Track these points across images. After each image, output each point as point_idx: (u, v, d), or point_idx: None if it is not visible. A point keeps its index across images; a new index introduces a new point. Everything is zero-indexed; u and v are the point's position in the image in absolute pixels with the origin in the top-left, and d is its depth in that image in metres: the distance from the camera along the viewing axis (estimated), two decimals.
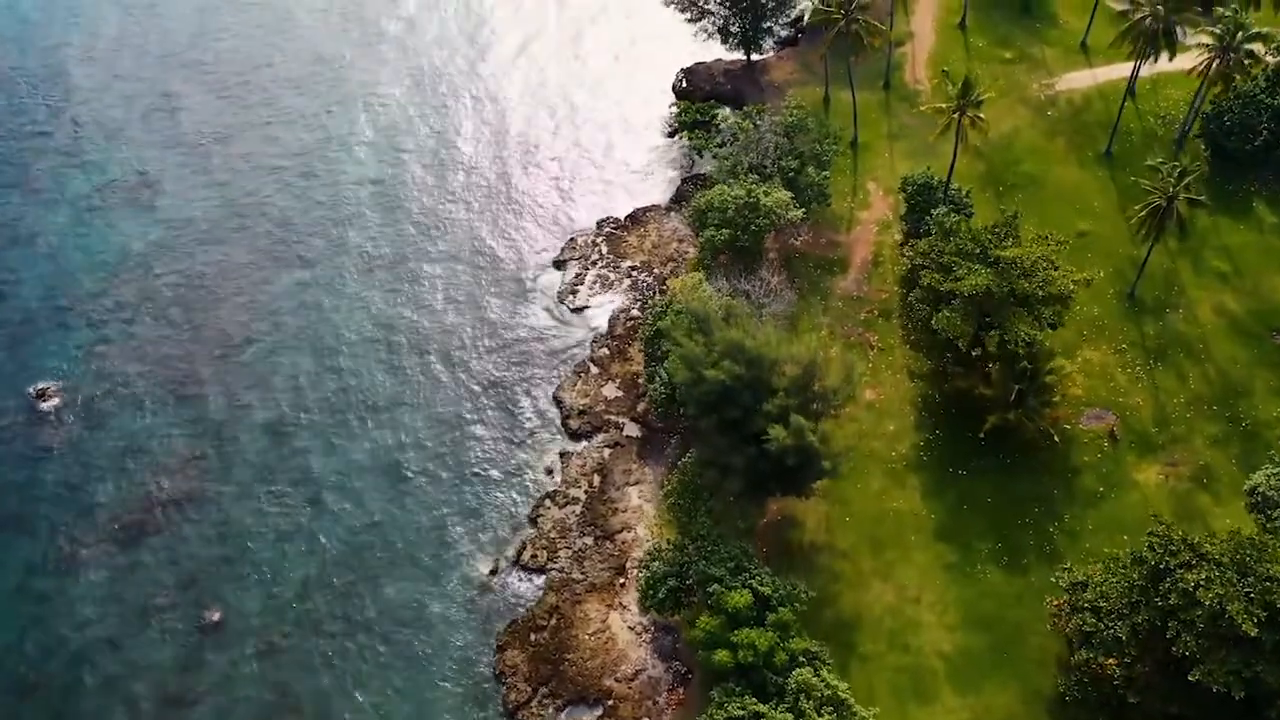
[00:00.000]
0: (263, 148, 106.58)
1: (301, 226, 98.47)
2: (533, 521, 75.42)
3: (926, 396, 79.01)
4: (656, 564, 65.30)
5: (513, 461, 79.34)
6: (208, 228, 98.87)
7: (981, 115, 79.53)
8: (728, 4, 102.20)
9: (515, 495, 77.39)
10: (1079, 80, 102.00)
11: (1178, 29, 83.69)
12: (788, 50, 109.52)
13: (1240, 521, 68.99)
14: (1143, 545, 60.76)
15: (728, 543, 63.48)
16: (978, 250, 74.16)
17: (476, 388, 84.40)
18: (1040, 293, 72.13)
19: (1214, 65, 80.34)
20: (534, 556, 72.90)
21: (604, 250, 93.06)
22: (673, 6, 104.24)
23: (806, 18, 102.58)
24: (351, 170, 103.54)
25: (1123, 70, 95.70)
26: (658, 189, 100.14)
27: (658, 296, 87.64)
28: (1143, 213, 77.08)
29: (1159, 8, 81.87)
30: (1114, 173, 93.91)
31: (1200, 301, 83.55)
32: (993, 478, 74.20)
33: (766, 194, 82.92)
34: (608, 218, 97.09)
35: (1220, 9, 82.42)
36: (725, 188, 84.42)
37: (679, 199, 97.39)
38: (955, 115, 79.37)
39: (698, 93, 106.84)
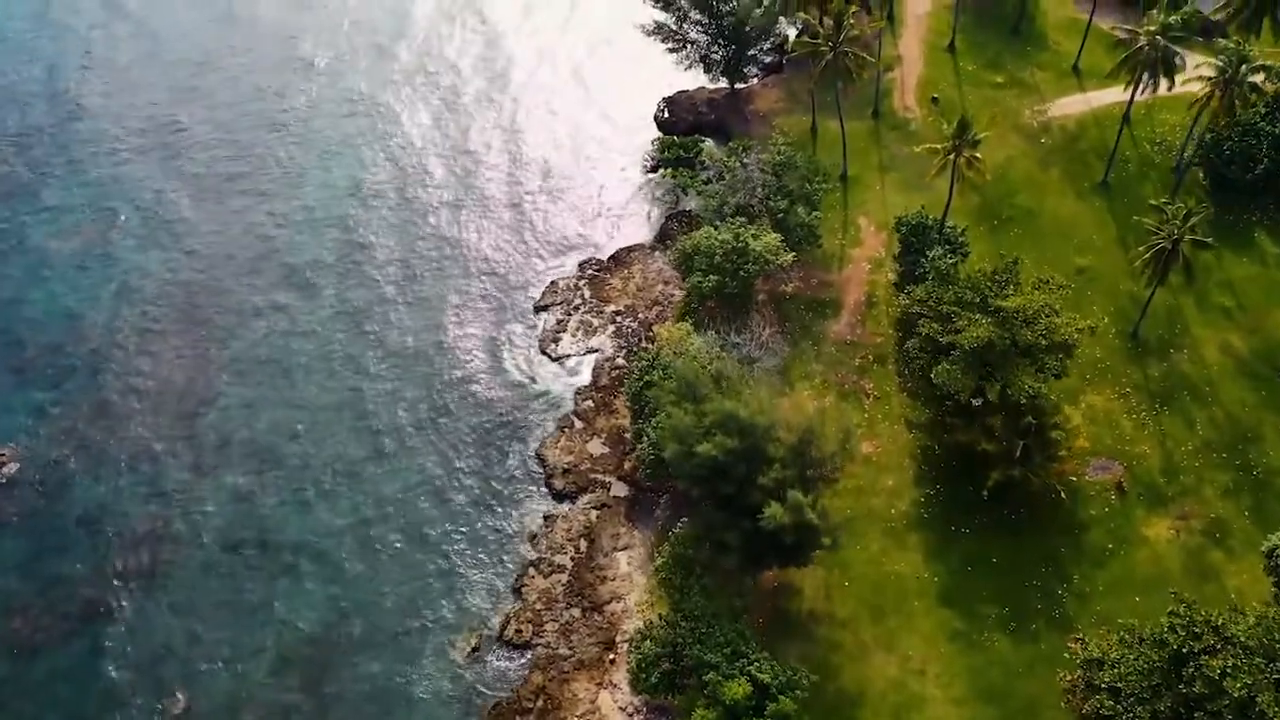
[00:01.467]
0: (230, 185, 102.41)
1: (269, 272, 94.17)
2: (516, 592, 71.56)
3: (926, 448, 75.71)
4: (648, 643, 61.70)
5: (494, 526, 75.44)
6: (172, 274, 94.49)
7: (978, 155, 76.26)
8: (709, 33, 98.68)
9: (497, 563, 73.53)
10: (1072, 105, 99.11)
11: (1176, 58, 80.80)
12: (772, 77, 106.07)
13: (1256, 581, 66.45)
14: (1158, 613, 57.88)
15: (723, 624, 59.93)
16: (977, 299, 71.01)
17: (455, 446, 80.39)
18: (1043, 342, 69.10)
19: (1215, 97, 77.36)
20: (518, 631, 69.02)
21: (586, 294, 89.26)
22: (654, 36, 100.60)
23: (790, 44, 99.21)
24: (321, 214, 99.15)
25: (1116, 94, 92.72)
26: (641, 227, 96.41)
27: (644, 344, 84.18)
28: (1146, 255, 74.12)
29: (1158, 38, 78.90)
30: (1111, 203, 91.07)
31: (1205, 340, 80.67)
32: (997, 536, 70.98)
33: (755, 237, 79.54)
34: (590, 258, 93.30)
35: (1222, 40, 79.50)
36: (712, 230, 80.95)
37: (663, 237, 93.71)
38: (951, 156, 76.06)
39: (680, 123, 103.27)
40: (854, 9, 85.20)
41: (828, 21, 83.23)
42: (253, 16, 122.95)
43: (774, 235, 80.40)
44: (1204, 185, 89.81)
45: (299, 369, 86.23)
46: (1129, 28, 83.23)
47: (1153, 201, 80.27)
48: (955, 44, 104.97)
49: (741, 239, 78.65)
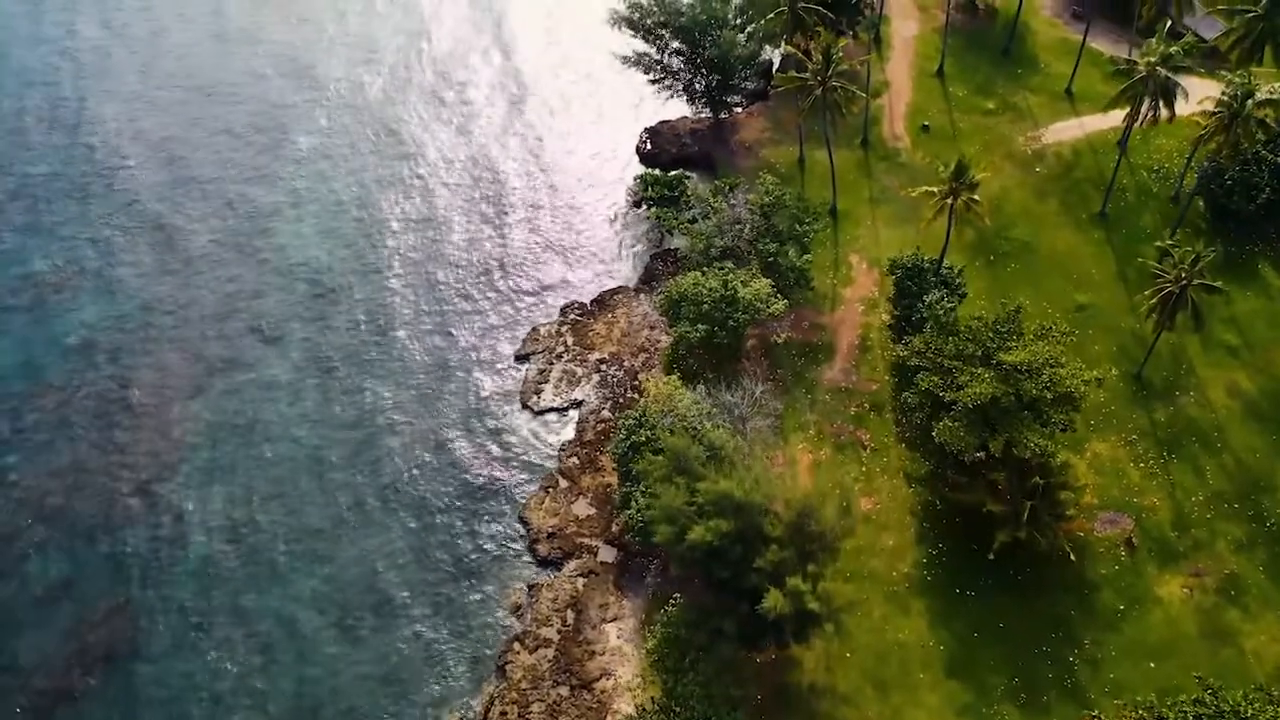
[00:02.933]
0: (197, 224, 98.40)
1: (232, 324, 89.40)
2: (500, 669, 67.64)
3: (927, 504, 72.43)
4: None
5: (475, 597, 71.51)
6: (134, 327, 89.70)
7: (976, 198, 72.98)
8: (692, 64, 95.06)
9: (479, 637, 69.46)
10: (1066, 131, 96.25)
11: (1178, 86, 77.77)
12: (757, 105, 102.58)
13: (1274, 641, 64.17)
14: (1174, 681, 55.03)
15: (720, 714, 56.32)
16: (979, 352, 67.78)
17: (433, 509, 76.35)
18: (1048, 395, 65.95)
19: (1218, 132, 74.39)
20: (503, 713, 65.09)
21: (569, 341, 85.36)
22: (635, 67, 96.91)
23: (775, 77, 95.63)
24: (292, 255, 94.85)
25: (1112, 118, 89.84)
26: (625, 267, 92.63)
27: (630, 394, 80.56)
28: (1153, 300, 71.09)
29: (1159, 69, 75.85)
30: (1110, 235, 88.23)
31: (1212, 381, 77.81)
32: (1004, 599, 67.77)
33: (744, 284, 76.01)
34: (572, 302, 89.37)
35: (1224, 72, 76.54)
36: (699, 276, 77.36)
37: (648, 278, 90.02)
38: (948, 200, 72.75)
39: (663, 155, 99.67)
40: (844, 43, 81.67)
41: (815, 53, 79.60)
42: (245, 39, 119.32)
43: (764, 281, 76.94)
44: (1204, 216, 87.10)
45: (264, 429, 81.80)
46: (1128, 58, 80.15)
47: (1159, 243, 77.41)
48: (944, 68, 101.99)
49: (730, 286, 75.07)
